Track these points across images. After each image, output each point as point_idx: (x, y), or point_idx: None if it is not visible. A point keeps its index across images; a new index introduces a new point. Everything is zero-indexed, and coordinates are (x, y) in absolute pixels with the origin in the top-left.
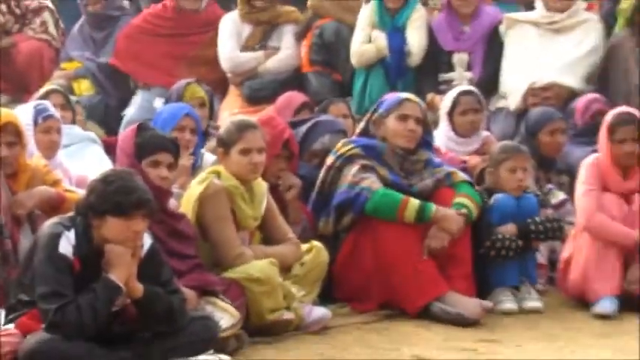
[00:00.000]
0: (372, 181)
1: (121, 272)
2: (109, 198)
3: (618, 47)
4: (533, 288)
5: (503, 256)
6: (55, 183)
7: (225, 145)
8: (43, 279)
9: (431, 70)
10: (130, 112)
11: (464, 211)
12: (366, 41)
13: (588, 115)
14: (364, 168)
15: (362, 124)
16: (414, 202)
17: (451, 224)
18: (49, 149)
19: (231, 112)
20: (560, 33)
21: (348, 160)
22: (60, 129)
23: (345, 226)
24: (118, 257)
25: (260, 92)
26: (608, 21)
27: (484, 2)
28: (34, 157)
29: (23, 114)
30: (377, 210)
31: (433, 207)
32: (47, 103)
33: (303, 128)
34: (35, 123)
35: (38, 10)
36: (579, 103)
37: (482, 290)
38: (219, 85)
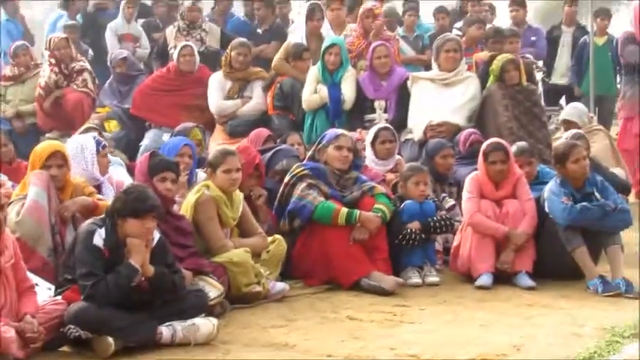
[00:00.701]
0: (314, 197)
1: (138, 258)
2: (129, 204)
3: (490, 96)
4: (432, 267)
5: (411, 245)
6: (91, 194)
7: (212, 166)
8: (82, 263)
9: (359, 113)
10: (145, 143)
11: (379, 214)
12: (313, 92)
13: (468, 144)
14: (310, 186)
15: (310, 152)
16: (344, 211)
17: (370, 224)
18: (105, 167)
19: (217, 143)
20: (450, 86)
21: (299, 179)
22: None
23: (296, 227)
24: (135, 247)
25: (238, 129)
26: (483, 78)
27: (396, 64)
28: (75, 176)
29: (88, 144)
30: (318, 218)
31: (357, 213)
32: (100, 138)
33: (268, 154)
34: (97, 151)
35: (81, 71)
36: (462, 135)
37: (397, 269)
38: (209, 125)
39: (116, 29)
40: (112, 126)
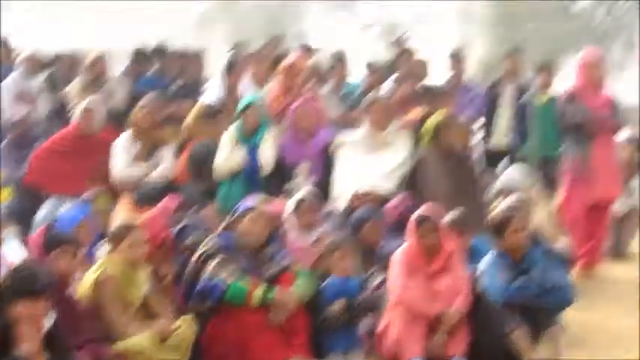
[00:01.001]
0: (226, 275)
1: (28, 347)
2: (17, 285)
3: (422, 160)
4: (358, 352)
5: (334, 327)
6: None
7: (114, 240)
8: None
9: (279, 179)
10: (41, 214)
11: (299, 293)
12: (227, 157)
13: (397, 212)
14: (222, 262)
15: (224, 223)
16: (258, 292)
17: (288, 304)
18: None
19: (121, 214)
20: (379, 149)
21: (209, 255)
22: None
23: (207, 307)
24: (25, 334)
25: (145, 197)
26: (416, 139)
27: (321, 124)
28: None
29: None
30: (230, 299)
31: (273, 292)
32: None
33: (178, 227)
34: None
35: None
36: (391, 203)
37: (319, 354)
38: (113, 193)
39: (12, 86)
40: (6, 194)
